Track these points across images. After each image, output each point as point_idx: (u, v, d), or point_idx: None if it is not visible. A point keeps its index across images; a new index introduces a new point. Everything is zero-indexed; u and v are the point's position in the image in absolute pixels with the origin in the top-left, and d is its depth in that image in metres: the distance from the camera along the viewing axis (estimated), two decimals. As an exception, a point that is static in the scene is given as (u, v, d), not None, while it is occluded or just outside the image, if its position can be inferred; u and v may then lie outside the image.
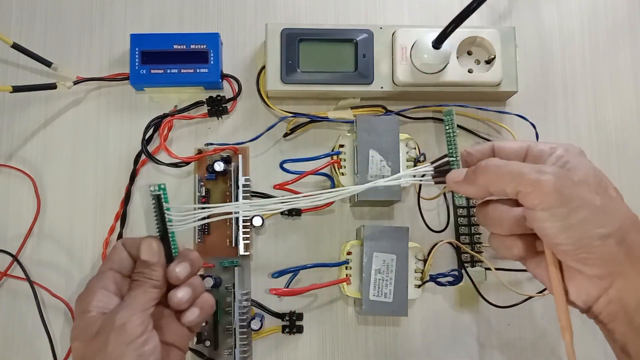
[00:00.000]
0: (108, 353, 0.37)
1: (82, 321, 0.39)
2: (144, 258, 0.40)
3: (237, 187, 0.51)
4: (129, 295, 0.40)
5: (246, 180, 0.51)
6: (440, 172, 0.42)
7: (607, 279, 0.34)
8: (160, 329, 0.41)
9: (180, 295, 0.41)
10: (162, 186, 0.41)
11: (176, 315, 0.42)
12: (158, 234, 0.41)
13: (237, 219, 0.50)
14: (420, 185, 0.54)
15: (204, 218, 0.44)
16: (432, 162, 0.43)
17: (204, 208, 0.44)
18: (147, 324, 0.39)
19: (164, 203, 0.41)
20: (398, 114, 0.55)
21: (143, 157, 0.54)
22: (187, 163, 0.52)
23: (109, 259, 0.42)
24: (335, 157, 0.52)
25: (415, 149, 0.52)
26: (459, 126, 0.56)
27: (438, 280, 0.51)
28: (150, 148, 0.53)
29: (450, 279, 0.51)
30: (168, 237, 0.41)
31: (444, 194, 0.55)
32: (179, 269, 0.41)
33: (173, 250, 0.42)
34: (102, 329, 0.38)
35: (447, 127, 0.42)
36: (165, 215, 0.41)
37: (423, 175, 0.43)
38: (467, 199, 0.54)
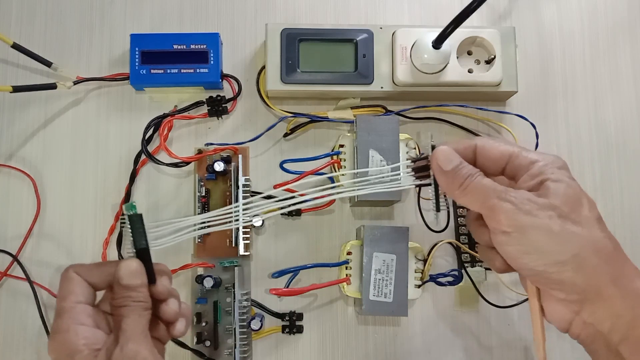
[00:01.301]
0: None
1: None
2: (127, 283, 0.37)
3: (237, 187, 0.51)
4: (125, 323, 0.37)
5: (246, 180, 0.51)
6: (421, 170, 0.40)
7: (575, 303, 0.34)
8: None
9: (174, 307, 0.40)
10: (134, 203, 0.39)
11: (166, 327, 0.41)
12: (134, 252, 0.39)
13: (236, 218, 0.50)
14: (420, 185, 0.54)
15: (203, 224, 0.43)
16: (412, 160, 0.41)
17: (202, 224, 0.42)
18: (153, 349, 0.37)
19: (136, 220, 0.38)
20: (398, 114, 0.55)
21: (143, 157, 0.54)
22: (187, 163, 0.52)
23: (69, 292, 0.38)
24: (335, 157, 0.52)
25: (415, 149, 0.52)
26: (459, 126, 0.56)
27: (438, 280, 0.51)
28: (150, 148, 0.53)
29: (450, 279, 0.52)
30: (149, 254, 0.39)
31: (444, 194, 0.55)
32: (166, 284, 0.39)
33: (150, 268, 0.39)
34: None
35: None
36: (143, 232, 0.38)
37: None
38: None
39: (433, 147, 0.39)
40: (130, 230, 0.38)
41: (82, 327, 0.37)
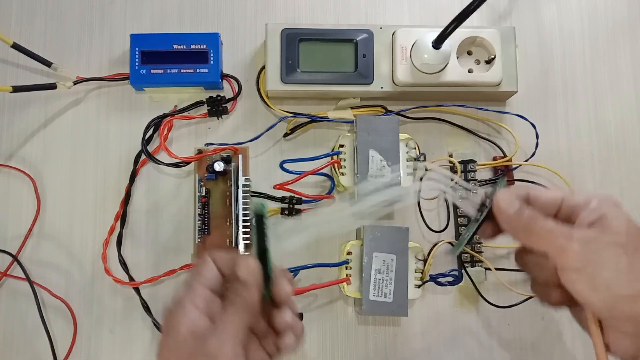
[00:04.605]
0: None
1: (170, 340, 0.37)
2: (241, 275, 0.38)
3: (237, 187, 0.51)
4: (223, 318, 0.37)
5: (246, 180, 0.51)
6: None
7: None
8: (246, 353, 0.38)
9: (287, 317, 0.39)
10: (264, 204, 0.39)
11: (268, 336, 0.40)
12: (256, 253, 0.39)
13: (237, 218, 0.50)
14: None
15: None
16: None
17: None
18: (238, 354, 0.37)
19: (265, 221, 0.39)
20: (398, 114, 0.55)
21: (143, 157, 0.54)
22: (187, 163, 0.52)
23: (199, 273, 0.39)
24: (335, 157, 0.52)
25: (415, 149, 0.52)
26: (459, 126, 0.56)
27: (438, 280, 0.51)
28: (150, 148, 0.53)
29: (450, 279, 0.52)
30: (266, 257, 0.39)
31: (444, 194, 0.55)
32: (285, 289, 0.39)
33: (268, 271, 0.39)
34: (192, 356, 0.36)
35: None
36: (266, 234, 0.39)
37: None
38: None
39: (491, 193, 0.39)
40: (255, 229, 0.39)
41: (192, 307, 0.38)
